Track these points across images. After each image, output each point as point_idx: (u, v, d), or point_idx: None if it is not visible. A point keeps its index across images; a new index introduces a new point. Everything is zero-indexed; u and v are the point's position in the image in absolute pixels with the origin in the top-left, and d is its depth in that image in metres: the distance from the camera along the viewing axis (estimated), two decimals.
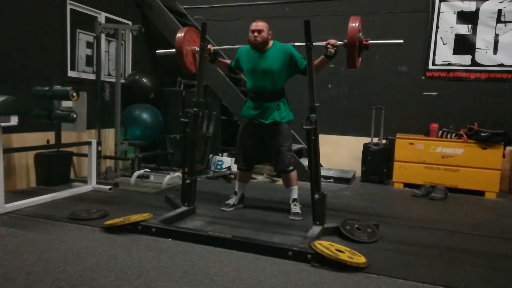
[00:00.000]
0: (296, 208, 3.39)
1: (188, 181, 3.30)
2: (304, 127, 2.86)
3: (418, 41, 5.26)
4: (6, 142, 3.71)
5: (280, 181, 4.84)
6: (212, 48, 3.32)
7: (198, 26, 5.96)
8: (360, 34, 2.86)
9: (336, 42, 2.94)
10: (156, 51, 3.63)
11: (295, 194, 3.45)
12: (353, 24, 2.81)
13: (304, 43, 2.89)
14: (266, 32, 3.20)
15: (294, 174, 3.41)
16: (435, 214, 3.72)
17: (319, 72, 3.08)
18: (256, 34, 3.19)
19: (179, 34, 3.27)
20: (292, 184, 3.44)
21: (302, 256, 2.42)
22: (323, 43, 2.95)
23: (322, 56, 3.01)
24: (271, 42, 3.29)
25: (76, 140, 4.37)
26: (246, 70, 3.37)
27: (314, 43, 2.88)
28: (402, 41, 2.98)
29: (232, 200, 3.58)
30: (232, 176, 4.74)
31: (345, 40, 2.82)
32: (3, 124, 3.08)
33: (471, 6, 4.99)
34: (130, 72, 5.56)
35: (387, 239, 2.89)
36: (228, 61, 3.59)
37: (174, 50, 3.29)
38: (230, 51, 5.35)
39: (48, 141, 4.12)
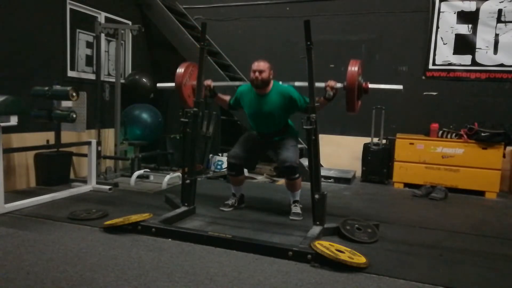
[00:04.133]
0: (296, 208, 3.38)
1: (188, 181, 3.29)
2: (304, 127, 2.86)
3: (418, 41, 5.26)
4: (6, 142, 3.70)
5: (280, 181, 4.85)
6: (212, 84, 3.35)
7: (198, 26, 5.96)
8: (360, 78, 2.89)
9: (335, 85, 2.95)
10: (157, 84, 3.74)
11: (297, 197, 3.45)
12: (353, 68, 2.84)
13: (306, 83, 2.89)
14: (267, 73, 3.20)
15: (299, 181, 3.40)
16: (435, 214, 3.72)
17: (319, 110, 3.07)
18: (257, 74, 3.18)
19: (180, 70, 3.33)
20: (296, 189, 3.43)
21: (302, 256, 2.42)
22: (323, 84, 2.96)
23: (322, 98, 3.00)
24: (271, 84, 3.29)
25: (76, 140, 4.36)
26: (248, 113, 3.44)
27: (316, 84, 2.88)
28: (401, 87, 3.04)
29: (231, 201, 3.58)
30: None
31: (345, 83, 2.85)
32: (3, 124, 3.08)
33: (471, 6, 4.99)
34: (130, 72, 5.56)
35: (387, 239, 2.89)
36: (227, 98, 3.58)
37: (174, 84, 3.37)
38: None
39: (48, 141, 4.12)
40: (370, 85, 2.96)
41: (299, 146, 5.48)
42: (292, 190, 3.43)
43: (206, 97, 3.39)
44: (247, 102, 3.39)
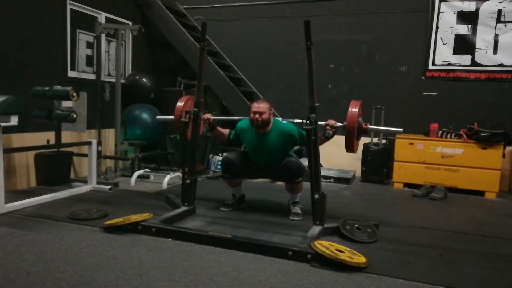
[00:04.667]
0: (296, 209, 3.38)
1: (188, 181, 3.30)
2: (304, 127, 2.86)
3: (418, 41, 5.27)
4: (6, 142, 3.71)
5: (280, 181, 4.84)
6: (212, 118, 3.36)
7: (198, 26, 5.97)
8: (360, 119, 2.92)
9: (335, 124, 2.98)
10: (157, 117, 3.87)
11: (297, 199, 3.45)
12: (353, 110, 2.87)
13: (302, 122, 2.90)
14: (267, 114, 3.23)
15: (301, 184, 3.41)
16: (435, 214, 3.72)
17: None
18: (257, 116, 3.21)
19: (179, 103, 3.36)
20: (298, 192, 3.44)
21: (302, 256, 2.42)
22: (323, 123, 2.97)
23: (321, 135, 3.00)
24: (271, 123, 3.31)
25: (76, 140, 4.37)
26: (249, 150, 3.49)
27: (319, 123, 2.90)
28: (401, 129, 3.04)
29: (231, 201, 3.59)
30: None
31: (345, 123, 2.88)
32: (3, 124, 3.08)
33: (471, 6, 4.99)
34: (130, 72, 5.56)
35: (387, 239, 2.89)
36: (226, 132, 3.59)
37: (173, 116, 3.38)
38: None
39: (48, 141, 4.12)
40: (370, 126, 3.01)
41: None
42: (294, 192, 3.43)
43: (206, 130, 3.39)
44: (247, 139, 3.44)
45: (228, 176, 3.54)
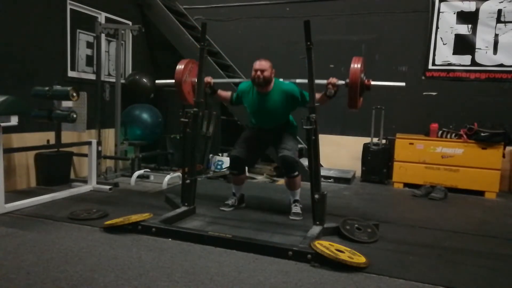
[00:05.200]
0: (296, 208, 3.39)
1: (188, 181, 3.30)
2: (304, 127, 2.86)
3: (418, 41, 5.27)
4: (6, 142, 3.70)
5: (280, 181, 4.85)
6: (212, 81, 3.35)
7: (198, 26, 5.97)
8: (362, 75, 2.89)
9: (337, 82, 2.95)
10: (156, 81, 3.72)
11: (297, 196, 3.45)
12: (356, 66, 2.84)
13: (306, 80, 2.90)
14: (269, 71, 3.21)
15: (298, 179, 3.41)
16: (435, 214, 3.72)
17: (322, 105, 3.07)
18: (259, 73, 3.19)
19: (179, 66, 3.30)
20: (296, 187, 3.43)
21: (302, 256, 2.42)
22: (324, 81, 2.96)
23: (323, 94, 3.01)
24: (272, 82, 3.30)
25: (76, 140, 4.37)
26: (250, 111, 3.47)
27: (318, 81, 2.89)
28: (403, 83, 3.02)
29: (231, 201, 3.59)
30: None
31: (347, 80, 2.85)
32: (3, 124, 3.08)
33: (471, 6, 4.99)
34: (130, 72, 5.56)
35: (387, 239, 2.89)
36: (228, 94, 3.57)
37: (174, 80, 3.33)
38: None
39: (48, 141, 4.12)
40: (373, 82, 2.95)
41: (299, 146, 5.51)
42: (292, 188, 3.43)
43: (207, 94, 3.39)
44: (248, 100, 3.42)
45: (236, 173, 3.53)
